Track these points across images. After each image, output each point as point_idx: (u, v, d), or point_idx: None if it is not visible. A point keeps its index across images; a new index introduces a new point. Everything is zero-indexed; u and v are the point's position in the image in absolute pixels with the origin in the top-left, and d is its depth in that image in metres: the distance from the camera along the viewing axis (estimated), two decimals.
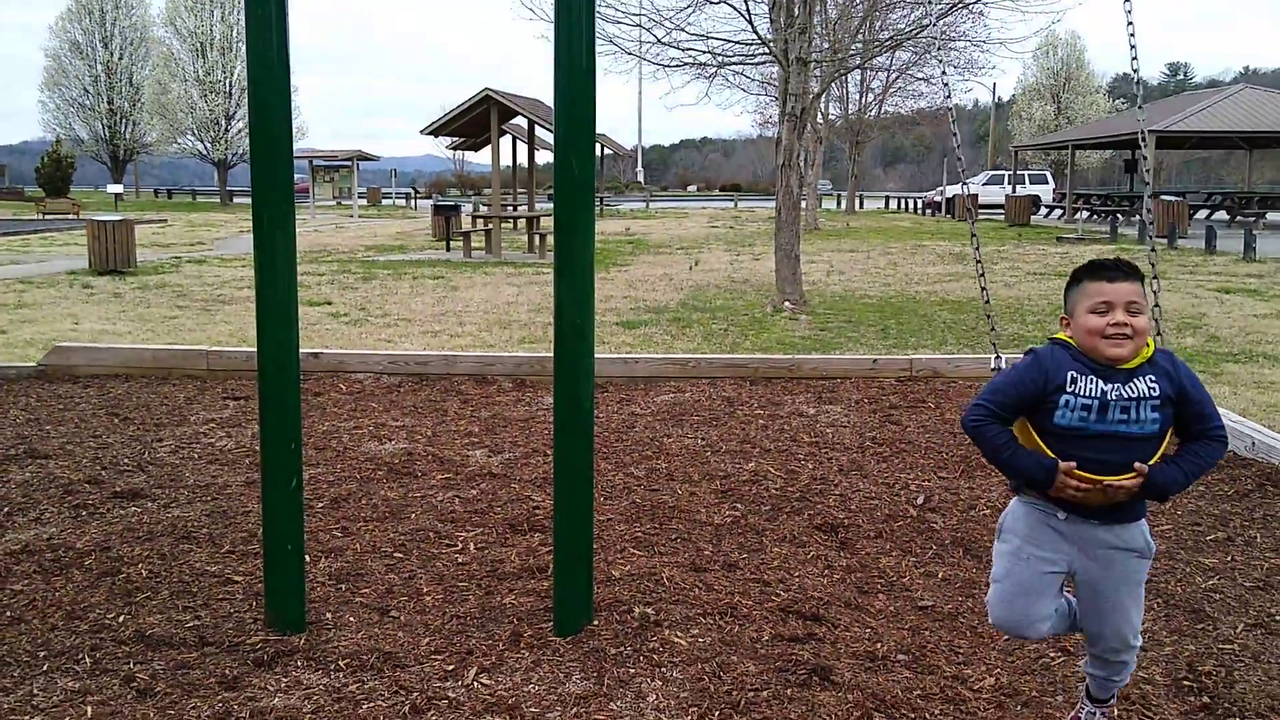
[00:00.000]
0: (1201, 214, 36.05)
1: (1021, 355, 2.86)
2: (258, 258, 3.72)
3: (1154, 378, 2.71)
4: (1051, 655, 3.76)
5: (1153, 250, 3.84)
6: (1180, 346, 10.45)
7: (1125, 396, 2.68)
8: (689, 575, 4.45)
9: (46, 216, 38.88)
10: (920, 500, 4.61)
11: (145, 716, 3.27)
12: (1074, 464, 2.70)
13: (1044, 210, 44.69)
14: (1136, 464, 2.69)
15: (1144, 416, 2.69)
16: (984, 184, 48.11)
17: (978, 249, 4.19)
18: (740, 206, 55.61)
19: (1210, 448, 2.77)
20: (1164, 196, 31.15)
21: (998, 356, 3.52)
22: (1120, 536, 2.82)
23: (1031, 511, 2.88)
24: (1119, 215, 35.28)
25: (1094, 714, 3.08)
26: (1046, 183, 48.86)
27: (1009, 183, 46.24)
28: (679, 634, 3.87)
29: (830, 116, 43.03)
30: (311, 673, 3.57)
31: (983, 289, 4.07)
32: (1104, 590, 2.85)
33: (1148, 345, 2.76)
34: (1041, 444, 2.74)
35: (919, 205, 51.19)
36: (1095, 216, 38.31)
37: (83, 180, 69.70)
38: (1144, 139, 4.37)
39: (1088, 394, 2.69)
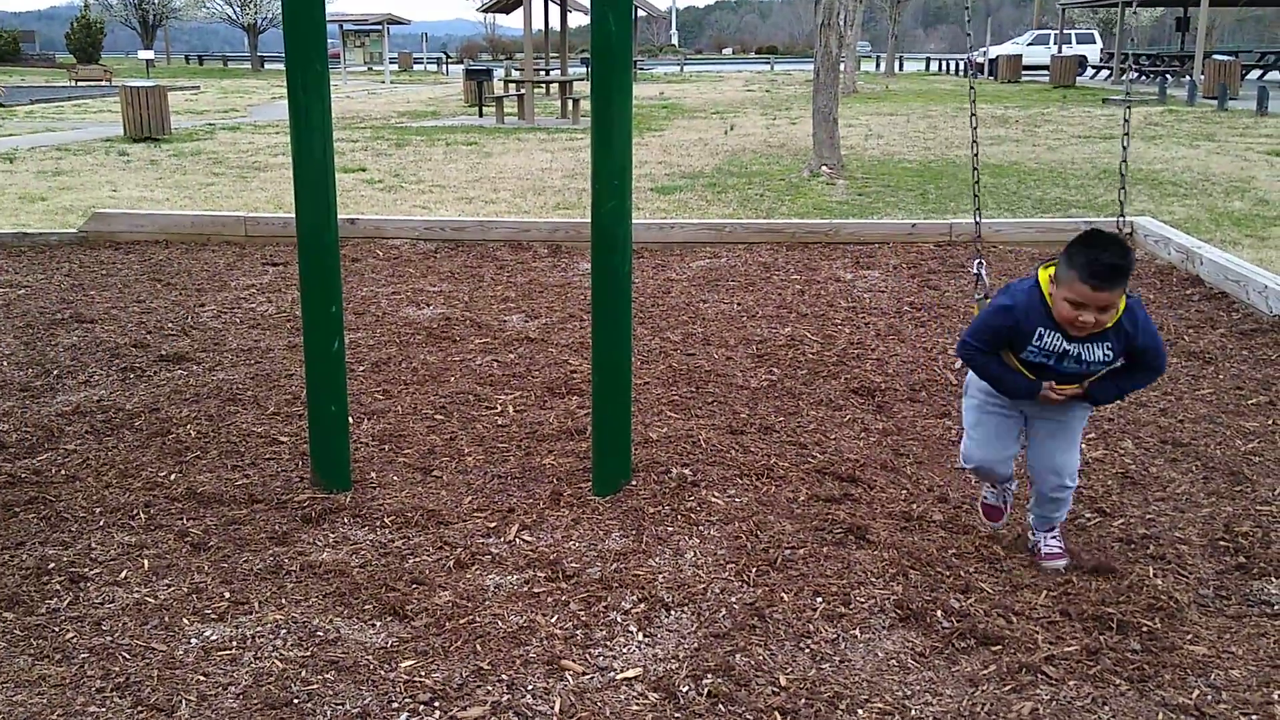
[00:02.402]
0: (1254, 74, 34.88)
1: (993, 293, 3.40)
2: (294, 124, 3.68)
3: (1110, 344, 3.11)
4: (1087, 516, 3.80)
5: (1126, 118, 3.93)
6: (1228, 210, 10.24)
7: (1081, 356, 3.14)
8: (726, 437, 4.49)
9: (79, 83, 38.68)
10: (958, 367, 4.52)
11: (200, 569, 3.38)
12: (1053, 382, 3.22)
13: (1090, 71, 43.40)
14: (1084, 383, 3.23)
15: (1094, 367, 3.17)
16: (1028, 44, 46.66)
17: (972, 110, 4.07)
18: (776, 69, 54.37)
19: (1148, 375, 3.26)
20: (1216, 56, 30.12)
21: (979, 258, 3.84)
22: (1049, 411, 3.34)
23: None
24: (1168, 76, 34.22)
25: (1044, 536, 3.49)
26: (1094, 42, 47.32)
27: (1054, 42, 44.83)
28: (716, 494, 3.93)
29: None
30: (358, 529, 3.67)
31: (975, 171, 4.07)
32: (1050, 430, 3.36)
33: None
34: (1019, 365, 3.25)
35: (961, 67, 49.83)
36: (1144, 77, 37.19)
37: (113, 47, 69.02)
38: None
39: (1050, 348, 3.15)
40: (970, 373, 3.44)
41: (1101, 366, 3.16)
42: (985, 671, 2.86)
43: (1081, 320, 3.00)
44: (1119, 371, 3.21)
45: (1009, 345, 3.21)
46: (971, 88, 4.04)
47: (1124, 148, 4.18)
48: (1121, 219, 3.95)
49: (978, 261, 3.81)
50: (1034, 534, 3.51)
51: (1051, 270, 3.09)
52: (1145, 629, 3.03)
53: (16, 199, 11.13)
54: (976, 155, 4.05)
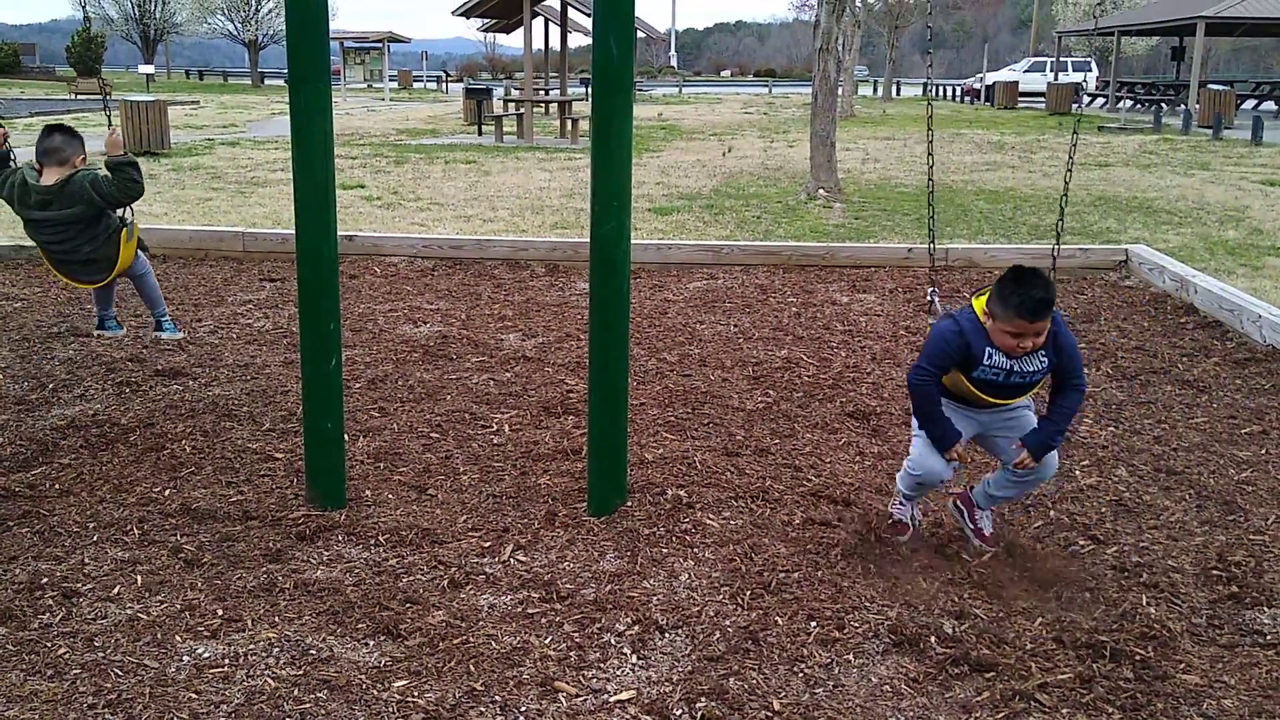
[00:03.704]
0: (1249, 104, 35.07)
1: (940, 317, 3.61)
2: (295, 141, 3.70)
3: (1043, 354, 3.41)
4: (1081, 543, 3.80)
5: (1073, 144, 4.32)
6: (1223, 239, 10.29)
7: (1023, 369, 3.42)
8: (721, 459, 4.50)
9: (78, 96, 38.75)
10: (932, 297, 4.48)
11: (194, 585, 3.38)
12: (960, 449, 3.48)
13: (1086, 98, 43.60)
14: (1023, 455, 3.46)
15: (1034, 378, 3.46)
16: (1025, 71, 46.90)
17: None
18: (774, 92, 54.61)
19: (1072, 397, 3.48)
20: (1211, 85, 30.27)
21: (933, 290, 4.03)
22: (1003, 411, 3.58)
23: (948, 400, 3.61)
24: (1163, 105, 34.42)
25: (986, 514, 3.75)
26: (1090, 70, 47.59)
27: (1051, 70, 45.08)
28: (711, 516, 3.93)
29: (869, 1, 41.95)
30: (352, 547, 3.66)
31: (930, 203, 4.20)
32: (1018, 429, 3.56)
33: None
34: (969, 385, 3.45)
35: (958, 93, 50.06)
36: (1139, 105, 37.39)
37: (113, 61, 69.18)
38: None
39: (997, 366, 3.40)
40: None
41: (1040, 374, 3.47)
42: (979, 698, 2.86)
43: (1022, 346, 3.33)
44: (1049, 414, 3.50)
45: (960, 367, 3.43)
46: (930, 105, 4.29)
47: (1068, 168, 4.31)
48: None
49: (931, 290, 4.04)
50: (975, 511, 3.75)
51: (982, 301, 3.40)
52: (1138, 657, 3.04)
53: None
54: (932, 182, 4.14)
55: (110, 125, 5.20)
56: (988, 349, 3.39)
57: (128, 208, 5.06)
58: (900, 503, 3.80)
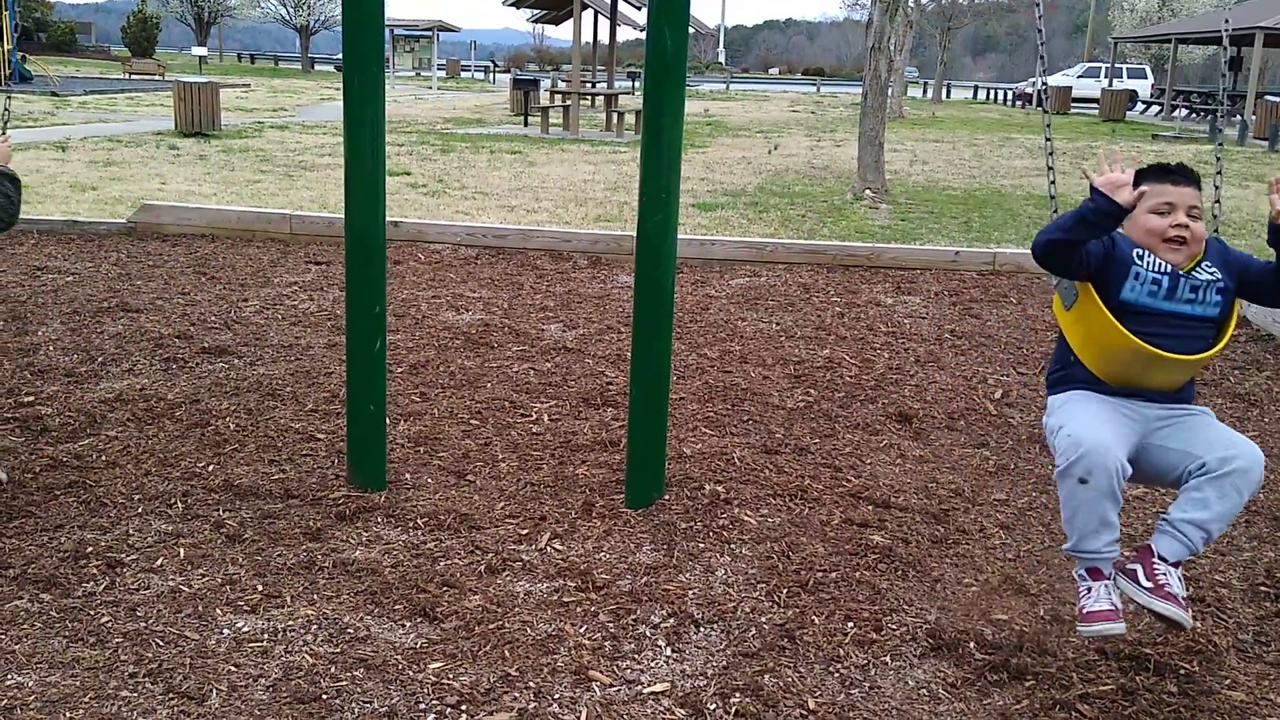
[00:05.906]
0: None
1: None
2: (347, 127, 3.71)
3: (1210, 263, 2.83)
4: (1125, 555, 3.74)
5: (1220, 145, 3.76)
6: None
7: (1192, 284, 2.79)
8: (760, 456, 4.48)
9: (132, 76, 39.24)
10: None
11: (235, 560, 3.41)
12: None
13: (1140, 106, 43.03)
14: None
15: (1209, 299, 2.81)
16: (1079, 76, 46.36)
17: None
18: (823, 91, 54.36)
19: None
20: (1268, 97, 29.80)
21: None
22: (1174, 408, 2.90)
23: (1085, 389, 2.90)
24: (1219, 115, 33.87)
25: (1170, 572, 2.70)
26: (1145, 77, 46.95)
27: (1105, 76, 44.54)
28: (749, 513, 3.91)
29: (922, 1, 41.62)
30: (391, 529, 3.68)
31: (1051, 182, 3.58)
32: (1183, 427, 2.83)
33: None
34: (1112, 319, 2.73)
35: (1009, 97, 49.57)
36: (1194, 115, 36.87)
37: (167, 42, 70.06)
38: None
39: (1158, 269, 2.77)
40: (1053, 404, 2.93)
41: (1217, 287, 2.79)
42: (1018, 706, 2.82)
43: (1175, 224, 2.76)
44: None
45: (1102, 285, 2.76)
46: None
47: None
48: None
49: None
50: (1152, 565, 2.72)
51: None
52: (1183, 671, 2.99)
53: (68, 187, 11.29)
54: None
55: (3, 132, 3.96)
56: (1137, 250, 2.79)
57: None
58: (1081, 574, 2.77)
